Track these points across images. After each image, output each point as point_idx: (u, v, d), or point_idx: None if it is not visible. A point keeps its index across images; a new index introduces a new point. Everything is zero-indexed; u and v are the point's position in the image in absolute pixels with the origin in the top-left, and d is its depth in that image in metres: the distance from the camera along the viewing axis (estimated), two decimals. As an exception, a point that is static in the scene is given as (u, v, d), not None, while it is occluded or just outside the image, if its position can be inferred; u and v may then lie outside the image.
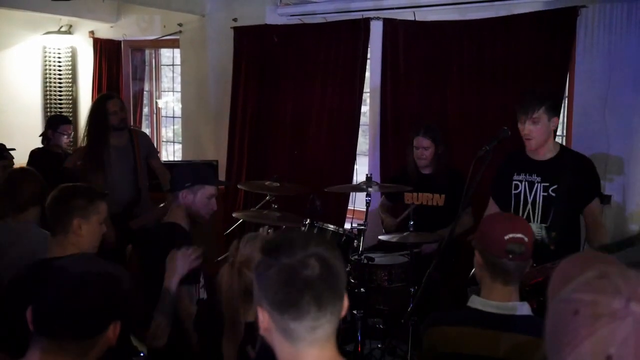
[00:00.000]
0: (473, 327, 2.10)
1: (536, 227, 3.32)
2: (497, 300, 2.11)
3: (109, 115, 4.62)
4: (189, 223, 3.11)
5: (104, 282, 1.71)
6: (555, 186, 3.31)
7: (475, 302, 2.15)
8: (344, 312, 1.44)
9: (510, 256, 2.07)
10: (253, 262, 1.98)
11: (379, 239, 4.06)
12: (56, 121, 5.69)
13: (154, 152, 5.11)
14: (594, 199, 3.36)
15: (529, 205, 3.35)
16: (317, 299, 1.34)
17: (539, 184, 3.35)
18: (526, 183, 3.39)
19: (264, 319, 1.39)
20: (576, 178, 3.29)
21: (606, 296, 0.91)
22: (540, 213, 3.34)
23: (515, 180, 3.43)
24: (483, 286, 2.17)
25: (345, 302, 1.44)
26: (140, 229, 4.41)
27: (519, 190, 3.40)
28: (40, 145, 5.56)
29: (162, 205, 4.41)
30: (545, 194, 3.33)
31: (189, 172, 3.18)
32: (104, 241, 4.28)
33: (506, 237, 2.08)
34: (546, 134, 3.33)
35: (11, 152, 4.81)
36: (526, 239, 2.10)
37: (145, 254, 3.09)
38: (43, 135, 5.56)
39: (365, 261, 3.84)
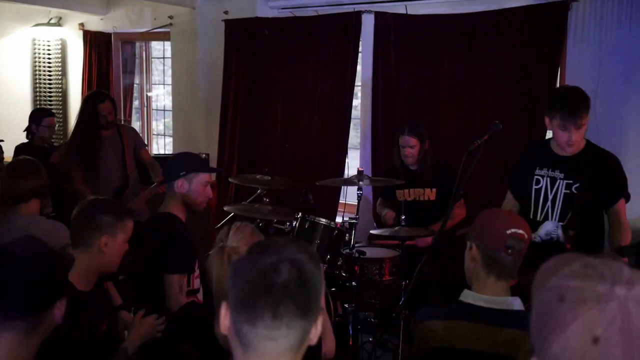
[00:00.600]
0: (465, 321, 2.10)
1: (553, 225, 3.22)
2: (490, 294, 2.11)
3: (100, 118, 4.64)
4: (186, 213, 3.11)
5: (47, 260, 1.76)
6: (577, 184, 3.18)
7: (467, 296, 2.15)
8: (313, 338, 1.33)
9: (510, 251, 2.06)
10: (242, 250, 2.02)
11: (371, 233, 4.07)
12: (39, 114, 5.57)
13: (142, 145, 5.10)
14: (620, 199, 3.23)
15: (549, 202, 3.24)
16: (274, 307, 1.25)
17: (562, 181, 3.22)
18: (548, 179, 3.26)
19: (225, 315, 1.33)
20: (601, 176, 3.16)
21: (591, 282, 0.93)
22: (559, 211, 3.22)
23: (537, 175, 3.30)
24: (475, 280, 2.17)
25: (317, 327, 1.33)
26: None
27: (540, 185, 3.28)
28: (26, 140, 5.49)
29: (151, 187, 4.51)
30: (567, 191, 3.20)
31: (183, 161, 3.18)
32: None
33: (508, 232, 2.07)
34: (584, 133, 3.19)
35: (0, 144, 4.79)
36: (526, 236, 2.11)
37: (144, 246, 3.09)
38: (27, 129, 5.49)
39: (357, 255, 3.84)
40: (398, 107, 5.18)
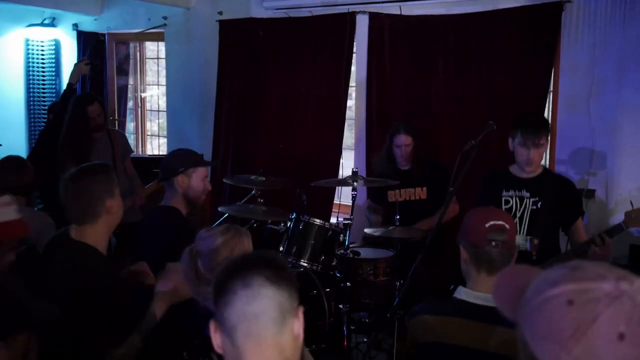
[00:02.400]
0: (457, 317, 2.11)
1: (522, 239, 3.43)
2: (484, 292, 2.12)
3: (89, 120, 4.70)
4: (186, 207, 3.18)
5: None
6: (541, 202, 3.44)
7: (461, 293, 2.16)
8: (296, 328, 1.39)
9: (493, 243, 2.09)
10: (203, 255, 2.18)
11: (365, 233, 4.07)
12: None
13: (129, 154, 5.19)
14: (578, 218, 3.51)
15: (517, 219, 3.45)
16: (242, 276, 1.35)
17: (528, 199, 3.47)
18: (517, 199, 3.50)
19: (215, 332, 1.38)
20: (561, 196, 3.45)
21: (593, 282, 0.93)
22: (526, 225, 3.45)
23: (505, 196, 3.53)
24: (469, 279, 2.18)
25: (299, 318, 1.40)
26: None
27: (510, 205, 3.50)
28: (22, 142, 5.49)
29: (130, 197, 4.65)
30: (534, 207, 3.46)
31: (180, 157, 3.25)
32: None
33: (487, 225, 2.11)
34: (542, 155, 3.51)
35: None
36: (507, 226, 2.12)
37: (147, 240, 3.09)
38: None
39: (351, 255, 3.84)
40: (392, 108, 5.18)
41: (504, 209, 3.48)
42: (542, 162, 3.66)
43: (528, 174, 3.50)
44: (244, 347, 1.33)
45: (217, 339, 1.38)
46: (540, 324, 0.97)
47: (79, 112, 4.69)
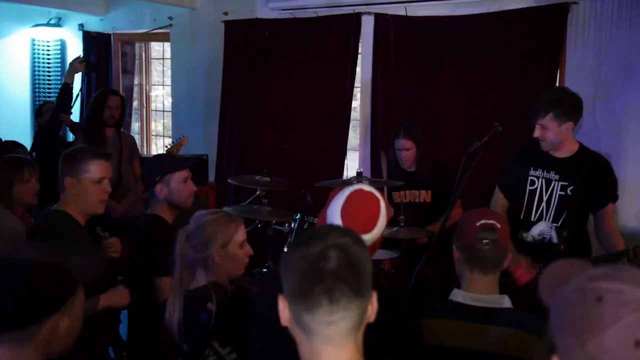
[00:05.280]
0: (454, 319, 2.11)
1: (546, 226, 3.27)
2: (478, 292, 2.12)
3: (104, 109, 4.80)
4: (173, 213, 3.13)
5: (41, 273, 1.68)
6: (572, 186, 3.21)
7: (457, 295, 2.17)
8: (371, 315, 1.36)
9: (484, 242, 2.09)
10: (194, 239, 2.21)
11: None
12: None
13: (136, 155, 5.28)
14: (609, 202, 3.29)
15: (544, 203, 3.27)
16: (329, 292, 1.29)
17: (557, 182, 3.25)
18: (543, 180, 3.29)
19: (284, 308, 1.36)
20: (594, 179, 3.20)
21: (632, 285, 0.93)
22: (553, 212, 3.25)
23: (532, 175, 3.32)
24: (463, 280, 2.19)
25: (373, 304, 1.36)
26: (119, 219, 4.53)
27: (535, 186, 3.30)
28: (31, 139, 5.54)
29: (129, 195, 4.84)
30: (562, 193, 3.23)
31: (154, 166, 3.18)
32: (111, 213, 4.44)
33: (478, 224, 2.11)
34: (559, 138, 3.21)
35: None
36: (498, 225, 2.13)
37: (131, 246, 3.11)
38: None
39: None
40: (397, 109, 5.18)
41: (528, 190, 3.32)
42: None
43: (560, 154, 3.26)
44: (321, 349, 1.32)
45: (285, 315, 1.36)
46: (566, 313, 0.98)
47: (100, 100, 4.85)
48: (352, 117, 5.55)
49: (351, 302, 1.30)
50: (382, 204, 2.00)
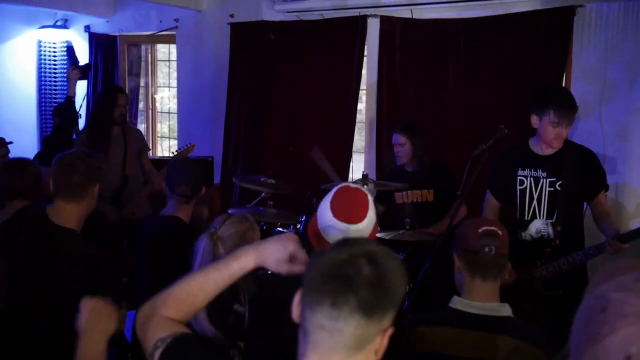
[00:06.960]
0: (453, 327, 2.10)
1: (542, 224, 3.33)
2: (478, 300, 2.12)
3: (115, 108, 4.80)
4: (189, 215, 3.20)
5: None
6: (561, 181, 3.28)
7: (456, 302, 2.17)
8: (378, 350, 1.26)
9: (486, 249, 2.10)
10: (229, 241, 2.11)
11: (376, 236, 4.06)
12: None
13: (145, 149, 5.22)
14: (601, 191, 3.34)
15: (535, 201, 3.33)
16: (334, 293, 1.20)
17: (545, 180, 3.31)
18: (532, 179, 3.35)
19: (298, 303, 1.29)
20: (582, 172, 3.27)
21: (637, 297, 0.90)
22: (546, 209, 3.32)
23: (520, 176, 3.38)
24: (463, 289, 2.19)
25: (382, 340, 1.25)
26: (131, 220, 4.51)
27: (525, 186, 3.36)
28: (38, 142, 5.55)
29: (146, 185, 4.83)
30: (552, 189, 3.30)
31: (200, 173, 3.36)
32: (107, 218, 4.44)
33: (480, 230, 2.13)
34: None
35: (8, 145, 4.83)
36: (500, 232, 2.14)
37: (155, 248, 3.11)
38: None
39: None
40: (403, 111, 5.17)
41: (518, 190, 3.37)
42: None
43: (545, 151, 3.33)
44: (309, 352, 1.26)
45: (297, 311, 1.30)
46: (578, 317, 0.97)
47: (108, 98, 4.85)
48: (357, 120, 5.55)
49: (353, 316, 1.20)
50: (370, 198, 2.01)
